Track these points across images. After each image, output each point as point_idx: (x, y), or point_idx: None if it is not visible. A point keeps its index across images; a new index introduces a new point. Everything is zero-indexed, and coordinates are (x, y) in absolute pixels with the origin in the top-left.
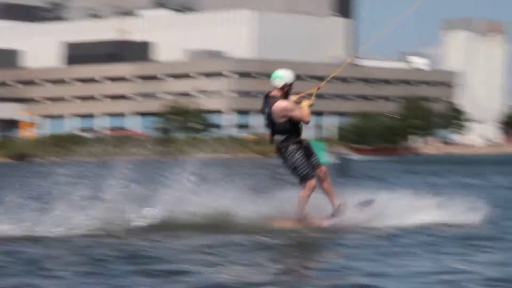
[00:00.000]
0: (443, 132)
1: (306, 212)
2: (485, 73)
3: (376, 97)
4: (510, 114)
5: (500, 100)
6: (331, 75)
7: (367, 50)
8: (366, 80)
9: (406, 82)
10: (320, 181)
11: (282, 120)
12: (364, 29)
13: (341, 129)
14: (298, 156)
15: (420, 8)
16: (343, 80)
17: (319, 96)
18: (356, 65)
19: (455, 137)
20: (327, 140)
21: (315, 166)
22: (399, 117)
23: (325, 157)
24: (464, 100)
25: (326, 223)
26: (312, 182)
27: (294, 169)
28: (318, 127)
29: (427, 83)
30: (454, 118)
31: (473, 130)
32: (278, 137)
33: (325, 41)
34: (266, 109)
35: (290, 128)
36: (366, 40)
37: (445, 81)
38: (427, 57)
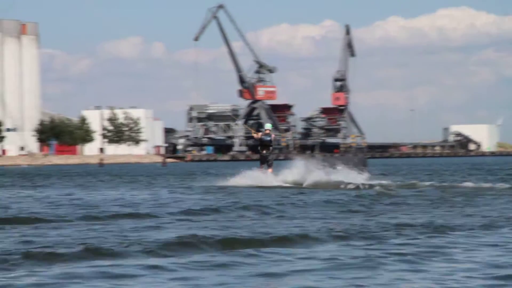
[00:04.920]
0: None
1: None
2: (17, 78)
3: None
4: (44, 122)
5: (36, 106)
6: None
7: None
8: None
9: None
10: None
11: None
12: None
13: None
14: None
15: None
16: None
17: None
18: None
19: None
20: None
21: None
22: None
23: None
24: None
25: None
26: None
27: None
28: None
29: None
30: None
31: (11, 139)
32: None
33: None
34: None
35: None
36: None
37: None
38: None
